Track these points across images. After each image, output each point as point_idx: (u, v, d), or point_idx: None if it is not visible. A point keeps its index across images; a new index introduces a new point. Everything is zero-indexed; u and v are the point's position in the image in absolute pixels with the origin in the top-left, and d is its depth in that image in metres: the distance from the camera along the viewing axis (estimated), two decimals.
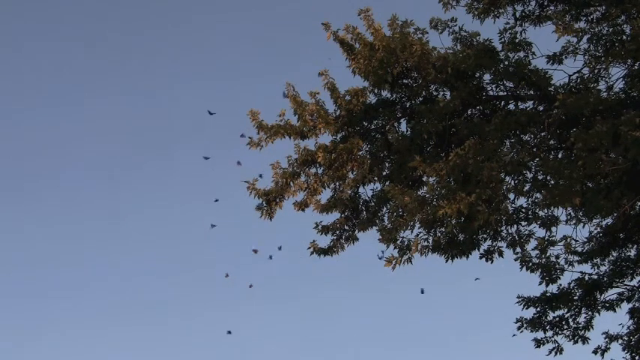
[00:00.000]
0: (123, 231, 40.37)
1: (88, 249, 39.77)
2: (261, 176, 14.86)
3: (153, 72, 44.50)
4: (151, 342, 36.34)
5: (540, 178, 13.80)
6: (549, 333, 16.91)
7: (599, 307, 16.91)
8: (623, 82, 13.75)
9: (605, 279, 16.81)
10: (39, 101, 43.70)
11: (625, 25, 14.03)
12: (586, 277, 16.72)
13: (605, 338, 17.27)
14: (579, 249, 16.53)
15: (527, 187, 13.97)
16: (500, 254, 14.68)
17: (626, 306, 16.97)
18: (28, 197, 42.36)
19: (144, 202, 41.09)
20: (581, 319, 16.93)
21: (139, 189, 42.07)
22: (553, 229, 14.36)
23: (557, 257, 15.54)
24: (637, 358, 16.89)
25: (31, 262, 39.43)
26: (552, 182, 13.23)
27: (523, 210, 14.37)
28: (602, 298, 16.92)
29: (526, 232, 14.62)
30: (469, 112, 14.49)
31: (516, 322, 16.99)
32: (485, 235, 14.50)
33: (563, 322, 16.89)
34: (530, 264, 15.06)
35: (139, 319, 38.09)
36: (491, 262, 14.63)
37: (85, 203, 42.54)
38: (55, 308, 38.64)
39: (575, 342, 16.90)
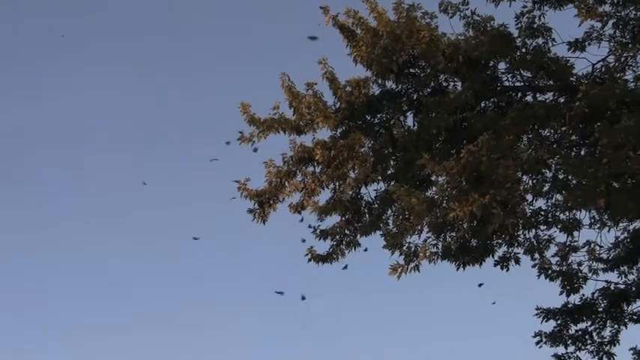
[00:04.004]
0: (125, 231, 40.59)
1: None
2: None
3: (148, 67, 44.98)
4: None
5: (561, 177, 13.55)
6: (571, 348, 16.32)
7: (626, 320, 16.34)
8: None
9: (633, 288, 16.26)
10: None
11: None
12: (612, 287, 16.19)
13: (632, 354, 16.60)
14: (604, 255, 15.97)
15: (546, 188, 13.72)
16: (517, 261, 14.54)
17: None
18: (28, 194, 42.73)
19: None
20: (607, 332, 16.35)
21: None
22: (575, 233, 14.21)
23: (579, 264, 15.43)
24: None
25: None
26: (574, 182, 13.05)
27: (542, 213, 14.12)
28: (629, 309, 16.36)
29: (545, 237, 14.48)
30: (482, 105, 14.30)
31: (535, 336, 16.36)
32: (500, 241, 14.27)
33: (587, 337, 16.32)
34: (550, 272, 15.09)
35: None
36: (507, 270, 14.50)
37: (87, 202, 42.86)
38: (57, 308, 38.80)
39: (600, 358, 16.36)
